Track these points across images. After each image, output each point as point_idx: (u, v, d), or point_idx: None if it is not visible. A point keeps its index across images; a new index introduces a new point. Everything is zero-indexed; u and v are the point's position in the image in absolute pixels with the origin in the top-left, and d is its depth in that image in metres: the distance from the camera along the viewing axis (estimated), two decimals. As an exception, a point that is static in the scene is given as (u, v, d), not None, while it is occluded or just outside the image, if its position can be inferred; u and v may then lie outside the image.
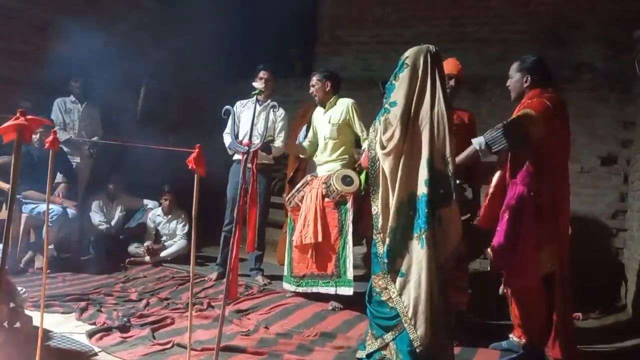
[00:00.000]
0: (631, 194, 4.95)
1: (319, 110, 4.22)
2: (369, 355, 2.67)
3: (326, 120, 4.08)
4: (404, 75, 2.59)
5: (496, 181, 3.05)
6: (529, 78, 3.03)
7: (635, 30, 4.12)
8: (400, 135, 2.52)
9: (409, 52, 2.62)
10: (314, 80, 4.14)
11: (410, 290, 2.49)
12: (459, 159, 2.88)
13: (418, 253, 2.48)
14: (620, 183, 5.20)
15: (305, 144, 4.35)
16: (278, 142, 4.47)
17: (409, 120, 2.54)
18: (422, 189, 2.48)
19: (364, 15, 6.39)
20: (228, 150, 4.44)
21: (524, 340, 3.11)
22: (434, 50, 2.61)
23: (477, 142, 2.90)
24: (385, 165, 2.56)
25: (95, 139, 5.30)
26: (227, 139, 4.44)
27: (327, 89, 4.09)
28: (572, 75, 5.32)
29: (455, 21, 5.89)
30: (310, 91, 4.17)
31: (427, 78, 2.56)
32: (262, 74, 4.49)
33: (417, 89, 2.56)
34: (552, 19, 5.41)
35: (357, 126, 4.00)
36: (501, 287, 3.04)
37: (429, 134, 2.50)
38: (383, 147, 2.57)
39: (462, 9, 5.87)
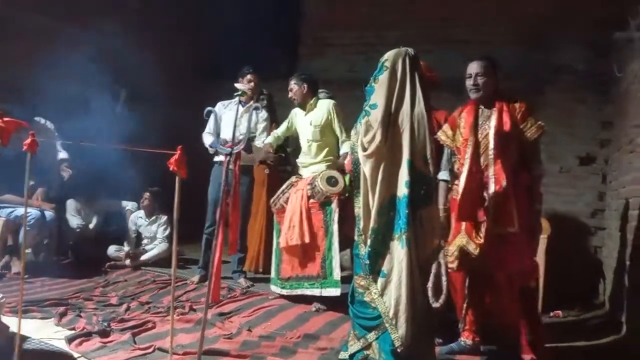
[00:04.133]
0: (609, 193, 5.04)
1: (299, 112, 4.22)
2: (351, 356, 2.67)
3: (307, 122, 4.09)
4: (383, 78, 2.61)
5: (467, 178, 2.97)
6: (497, 79, 3.06)
7: (614, 33, 4.19)
8: (381, 137, 2.54)
9: (388, 55, 2.65)
10: (292, 84, 4.17)
11: (391, 290, 2.51)
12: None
13: (399, 253, 2.50)
14: (598, 183, 5.29)
15: (269, 139, 4.41)
16: (259, 143, 4.44)
17: (390, 122, 2.56)
18: (402, 190, 2.51)
19: (347, 16, 6.39)
20: (209, 149, 4.40)
21: (472, 342, 3.11)
22: (412, 52, 2.64)
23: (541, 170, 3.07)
24: (367, 167, 2.58)
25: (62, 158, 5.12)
26: (208, 139, 4.40)
27: (304, 92, 4.11)
28: (552, 77, 5.39)
29: (439, 23, 5.92)
30: (289, 95, 4.18)
31: (406, 80, 2.59)
32: (250, 76, 4.47)
33: (396, 91, 2.58)
34: (533, 21, 5.47)
35: (337, 128, 4.01)
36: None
37: (409, 136, 2.53)
38: (364, 149, 2.59)
39: (446, 10, 5.90)
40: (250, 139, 4.41)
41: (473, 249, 2.95)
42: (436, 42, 5.78)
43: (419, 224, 2.53)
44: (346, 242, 4.25)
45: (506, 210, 2.87)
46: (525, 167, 3.00)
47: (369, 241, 2.58)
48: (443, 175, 3.22)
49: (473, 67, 3.06)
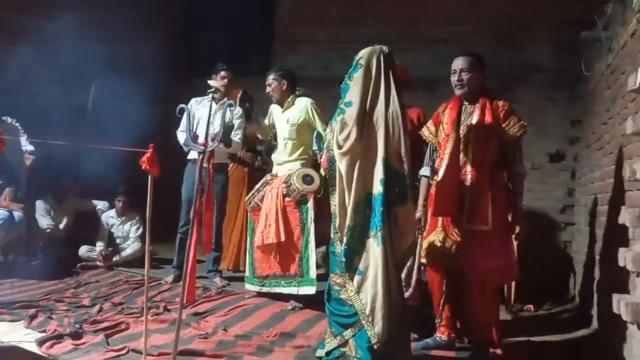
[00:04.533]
0: (578, 190, 5.16)
1: (277, 108, 4.18)
2: (328, 353, 2.68)
3: (284, 120, 4.05)
4: (357, 76, 2.62)
5: (445, 172, 2.98)
6: (483, 76, 3.05)
7: (581, 32, 4.28)
8: (356, 135, 2.55)
9: (363, 53, 2.66)
10: (270, 79, 4.08)
11: (367, 287, 2.53)
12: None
13: (374, 251, 2.52)
14: (568, 179, 5.42)
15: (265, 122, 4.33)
16: (236, 139, 4.40)
17: (365, 120, 2.57)
18: (378, 188, 2.53)
19: (321, 14, 6.39)
20: (184, 147, 4.34)
21: (448, 337, 3.15)
22: (387, 50, 2.66)
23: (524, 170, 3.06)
24: (342, 164, 2.59)
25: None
26: (182, 137, 4.36)
27: (283, 88, 4.05)
28: (522, 75, 5.49)
29: (412, 21, 5.97)
30: (267, 90, 4.12)
31: (380, 78, 2.60)
32: (223, 73, 4.42)
33: (371, 89, 2.60)
34: (504, 21, 5.56)
35: (319, 126, 3.98)
36: None
37: (384, 133, 2.55)
38: (340, 147, 2.59)
39: (419, 9, 5.96)
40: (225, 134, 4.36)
41: (449, 245, 2.98)
42: (409, 40, 5.83)
43: (394, 222, 2.55)
44: (321, 240, 4.28)
45: (481, 208, 2.89)
46: (505, 166, 3.02)
47: (344, 239, 2.59)
48: (425, 171, 3.24)
49: (458, 63, 3.05)
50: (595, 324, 3.63)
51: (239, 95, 4.94)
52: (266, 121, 4.29)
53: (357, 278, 2.57)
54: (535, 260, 4.62)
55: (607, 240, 3.45)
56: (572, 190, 5.37)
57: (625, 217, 2.13)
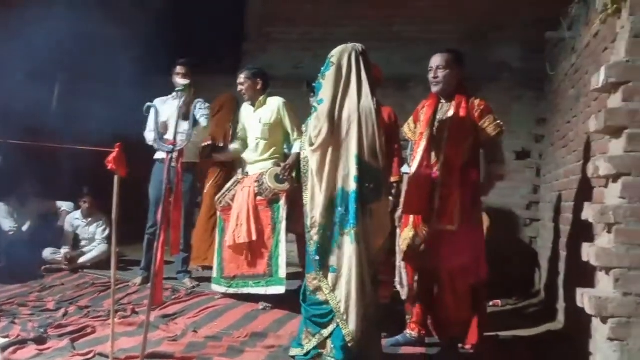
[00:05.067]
0: (543, 186, 5.28)
1: (247, 108, 4.14)
2: (307, 353, 2.68)
3: (256, 119, 4.01)
4: (329, 74, 2.63)
5: (417, 170, 3.01)
6: (461, 73, 3.06)
7: (546, 32, 4.37)
8: (327, 132, 2.56)
9: (335, 51, 2.68)
10: (243, 78, 4.02)
11: (342, 286, 2.53)
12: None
13: (349, 249, 2.52)
14: (533, 176, 5.53)
15: (234, 146, 4.24)
16: (203, 123, 4.23)
17: (336, 117, 2.57)
18: (352, 186, 2.53)
19: (293, 12, 6.36)
20: (154, 145, 4.25)
21: (418, 334, 3.17)
22: (360, 48, 2.66)
23: (501, 170, 3.07)
24: (313, 162, 2.59)
25: None
26: (150, 136, 4.28)
27: (257, 87, 4.01)
28: (490, 75, 5.57)
29: (384, 21, 6.00)
30: (239, 89, 4.06)
31: (351, 75, 2.61)
32: (179, 68, 4.30)
33: (342, 86, 2.61)
34: (476, 20, 5.64)
35: (289, 127, 3.96)
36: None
37: (357, 130, 2.55)
38: (311, 144, 2.59)
39: (392, 8, 5.98)
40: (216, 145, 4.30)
41: (418, 243, 3.00)
42: (381, 39, 5.86)
43: (370, 219, 2.55)
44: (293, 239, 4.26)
45: (449, 208, 2.91)
46: (477, 166, 3.03)
47: (317, 237, 2.59)
48: (405, 168, 3.26)
49: (434, 60, 3.06)
50: (560, 317, 3.72)
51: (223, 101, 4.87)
52: (240, 127, 4.22)
53: (331, 276, 2.57)
54: (502, 256, 4.70)
55: (571, 236, 3.54)
56: (537, 187, 5.49)
57: (588, 213, 2.18)
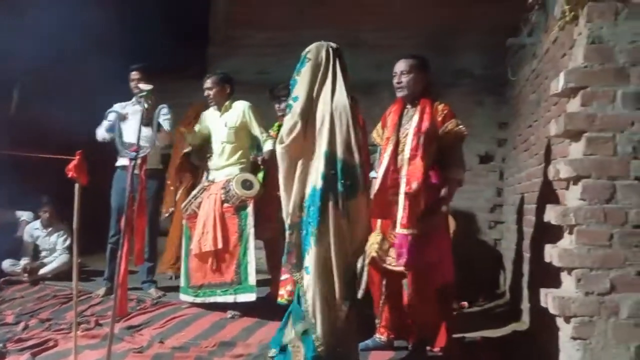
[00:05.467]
0: (506, 189, 5.39)
1: (213, 113, 4.09)
2: (283, 347, 2.64)
3: (222, 124, 3.97)
4: (305, 70, 2.60)
5: (383, 175, 3.02)
6: (426, 78, 3.10)
7: (507, 39, 4.48)
8: (300, 129, 2.51)
9: (310, 47, 2.65)
10: (210, 83, 3.99)
11: (310, 287, 2.48)
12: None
13: (313, 249, 2.46)
14: (496, 179, 5.64)
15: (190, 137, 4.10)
16: (165, 126, 4.14)
17: (309, 114, 2.54)
18: (318, 183, 2.47)
19: (258, 16, 6.33)
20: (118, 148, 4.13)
21: (387, 338, 3.19)
22: (334, 46, 2.66)
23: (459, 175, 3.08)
24: (285, 160, 2.54)
25: None
26: (100, 132, 4.17)
27: (226, 92, 3.99)
28: (452, 80, 5.67)
29: (348, 26, 6.02)
30: (206, 94, 4.02)
31: (328, 72, 2.58)
32: (134, 74, 4.23)
33: (317, 83, 2.57)
34: (435, 27, 5.73)
35: (256, 129, 3.94)
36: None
37: (329, 126, 2.50)
38: (282, 142, 2.55)
39: (355, 15, 6.02)
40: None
41: (386, 247, 3.01)
42: (347, 45, 5.87)
43: (344, 217, 2.49)
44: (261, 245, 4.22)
45: (413, 212, 2.91)
46: (440, 170, 3.05)
47: (293, 237, 2.55)
48: (373, 174, 3.27)
49: (398, 66, 3.10)
50: (525, 317, 3.79)
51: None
52: (196, 127, 4.15)
53: (306, 277, 2.51)
54: (467, 258, 4.77)
55: (534, 238, 3.61)
56: (500, 190, 5.60)
57: (550, 215, 2.23)
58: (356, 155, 2.52)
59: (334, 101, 2.54)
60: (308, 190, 2.52)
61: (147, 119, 3.27)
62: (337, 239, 2.47)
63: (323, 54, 2.60)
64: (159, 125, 3.86)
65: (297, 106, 2.55)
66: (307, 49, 2.65)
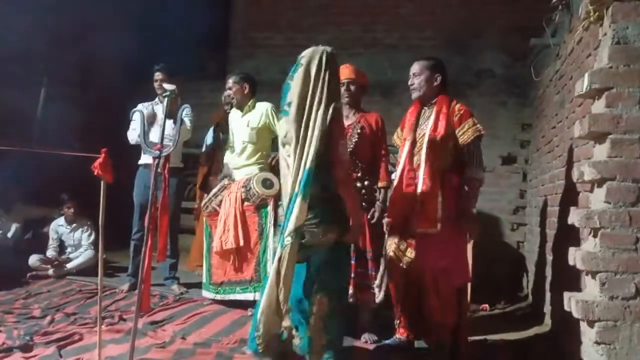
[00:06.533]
0: (529, 191, 5.33)
1: (236, 113, 4.14)
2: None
3: (244, 124, 4.00)
4: (298, 75, 2.58)
5: (400, 175, 3.05)
6: (439, 78, 3.10)
7: (531, 39, 4.43)
8: (294, 135, 2.51)
9: (305, 52, 2.64)
10: (231, 82, 4.04)
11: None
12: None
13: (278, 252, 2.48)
14: (519, 181, 5.59)
15: (229, 156, 4.16)
16: (187, 122, 4.21)
17: (303, 119, 2.53)
18: (296, 189, 2.46)
19: (277, 18, 6.40)
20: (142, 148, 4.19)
21: (407, 338, 3.19)
22: (330, 50, 2.62)
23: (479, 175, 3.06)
24: (283, 164, 2.56)
25: None
26: (132, 135, 4.24)
27: (245, 92, 4.01)
28: (474, 81, 5.64)
29: (367, 27, 6.05)
30: (227, 94, 4.07)
31: (319, 77, 2.56)
32: (158, 75, 4.33)
33: (310, 89, 2.55)
34: (456, 27, 5.70)
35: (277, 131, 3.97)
36: None
37: (314, 133, 2.49)
38: (283, 146, 2.58)
39: (374, 15, 6.04)
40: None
41: (404, 248, 3.02)
42: (365, 45, 5.91)
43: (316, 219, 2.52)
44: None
45: (430, 211, 2.92)
46: (459, 170, 3.05)
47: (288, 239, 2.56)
48: (393, 175, 3.29)
49: (412, 68, 3.15)
50: (548, 321, 3.74)
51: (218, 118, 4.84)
52: (231, 134, 4.17)
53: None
54: (489, 260, 4.74)
55: (557, 240, 3.57)
56: (523, 192, 5.54)
57: (574, 217, 2.20)
58: (312, 160, 2.45)
59: (320, 107, 2.49)
60: (292, 196, 2.49)
61: (171, 118, 3.34)
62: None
63: (317, 58, 2.57)
64: (182, 122, 3.93)
65: (292, 111, 2.54)
66: (302, 54, 2.64)
